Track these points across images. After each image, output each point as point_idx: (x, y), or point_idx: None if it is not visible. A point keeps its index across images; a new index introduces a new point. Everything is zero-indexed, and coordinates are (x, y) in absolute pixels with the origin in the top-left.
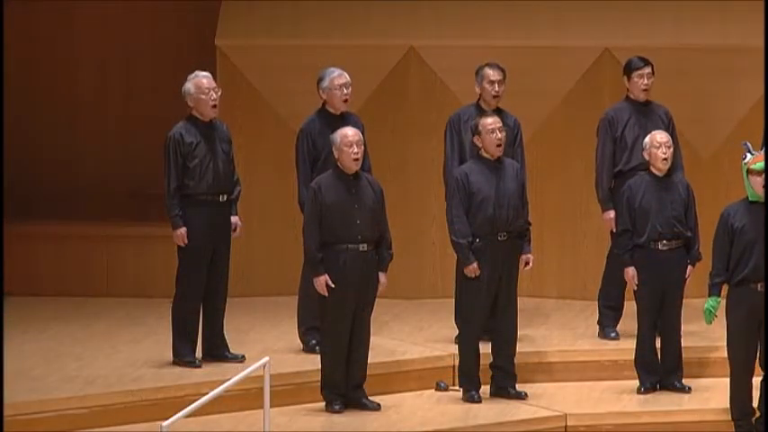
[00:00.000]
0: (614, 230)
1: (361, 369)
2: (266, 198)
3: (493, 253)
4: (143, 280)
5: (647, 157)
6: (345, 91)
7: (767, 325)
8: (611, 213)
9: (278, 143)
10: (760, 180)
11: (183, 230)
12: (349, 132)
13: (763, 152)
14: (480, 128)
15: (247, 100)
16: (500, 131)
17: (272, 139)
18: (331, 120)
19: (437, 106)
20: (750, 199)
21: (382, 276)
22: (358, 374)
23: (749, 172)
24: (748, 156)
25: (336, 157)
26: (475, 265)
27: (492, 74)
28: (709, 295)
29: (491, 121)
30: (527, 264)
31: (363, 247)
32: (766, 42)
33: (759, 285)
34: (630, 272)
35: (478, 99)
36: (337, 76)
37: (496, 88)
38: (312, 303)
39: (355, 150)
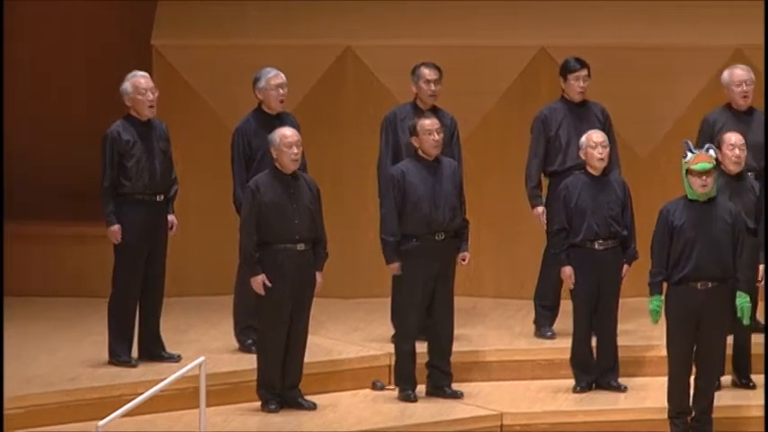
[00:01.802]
0: (545, 227)
1: (298, 368)
2: (203, 197)
3: (430, 252)
4: (81, 279)
5: (583, 156)
6: (281, 91)
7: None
8: (540, 209)
9: (215, 143)
10: (700, 181)
11: (116, 227)
12: (288, 133)
13: (703, 151)
14: (418, 129)
15: (184, 100)
16: (438, 133)
17: (210, 139)
18: (267, 119)
19: (373, 105)
20: (689, 198)
21: (318, 276)
22: (295, 374)
23: (689, 172)
24: (689, 155)
25: (275, 157)
26: (397, 264)
27: (428, 73)
28: (651, 294)
29: (429, 123)
30: (463, 263)
31: (301, 246)
32: (766, 42)
33: (699, 284)
34: (567, 271)
35: (415, 98)
36: (273, 77)
37: (432, 87)
38: (248, 303)
39: (294, 151)
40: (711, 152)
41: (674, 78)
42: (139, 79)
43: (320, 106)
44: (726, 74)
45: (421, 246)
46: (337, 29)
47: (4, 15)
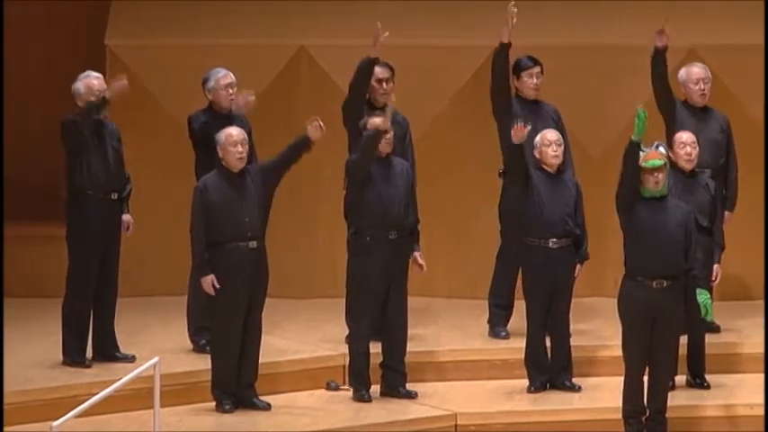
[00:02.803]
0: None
1: (254, 367)
2: (156, 197)
3: (383, 252)
4: (35, 279)
5: (537, 155)
6: (231, 91)
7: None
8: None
9: (168, 142)
10: (652, 178)
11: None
12: (233, 132)
13: (653, 149)
14: (369, 127)
15: (138, 99)
16: (389, 131)
17: (163, 139)
18: (217, 119)
19: (328, 105)
20: (643, 195)
21: None
22: (250, 372)
23: (642, 170)
24: (640, 153)
25: (221, 156)
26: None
27: (380, 72)
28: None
29: (380, 122)
30: (417, 262)
31: (253, 244)
32: (766, 42)
33: (654, 283)
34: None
35: (369, 97)
36: (222, 77)
37: (384, 86)
38: (202, 303)
39: (239, 150)
40: (662, 149)
41: (628, 78)
42: (92, 80)
43: (274, 106)
44: (683, 72)
45: (374, 244)
46: (291, 28)
47: (4, 15)
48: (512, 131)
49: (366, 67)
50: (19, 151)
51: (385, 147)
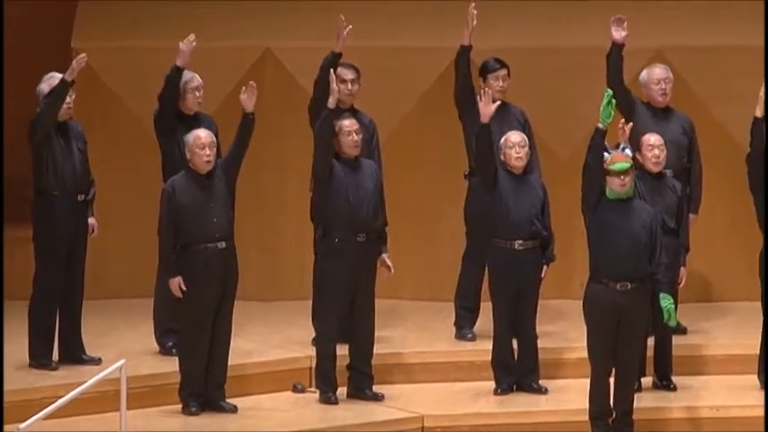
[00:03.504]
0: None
1: (222, 370)
2: (122, 199)
3: (351, 254)
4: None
5: (502, 157)
6: (197, 94)
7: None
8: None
9: (134, 144)
10: (618, 180)
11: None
12: (201, 134)
13: (619, 151)
14: (337, 130)
15: (103, 101)
16: (357, 134)
17: (128, 140)
18: (183, 119)
19: (293, 107)
20: (609, 198)
21: None
22: (219, 374)
23: (607, 172)
24: (606, 155)
25: (189, 158)
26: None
27: (345, 73)
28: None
29: (348, 124)
30: (385, 264)
31: (222, 244)
32: (766, 42)
33: (618, 285)
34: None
35: None
36: (190, 80)
37: (349, 87)
38: (168, 305)
39: (207, 152)
40: (627, 151)
41: (594, 80)
42: (56, 81)
43: (240, 108)
44: (644, 73)
45: (343, 246)
46: (257, 30)
47: (4, 15)
48: (480, 108)
49: (330, 63)
50: None
51: (352, 150)
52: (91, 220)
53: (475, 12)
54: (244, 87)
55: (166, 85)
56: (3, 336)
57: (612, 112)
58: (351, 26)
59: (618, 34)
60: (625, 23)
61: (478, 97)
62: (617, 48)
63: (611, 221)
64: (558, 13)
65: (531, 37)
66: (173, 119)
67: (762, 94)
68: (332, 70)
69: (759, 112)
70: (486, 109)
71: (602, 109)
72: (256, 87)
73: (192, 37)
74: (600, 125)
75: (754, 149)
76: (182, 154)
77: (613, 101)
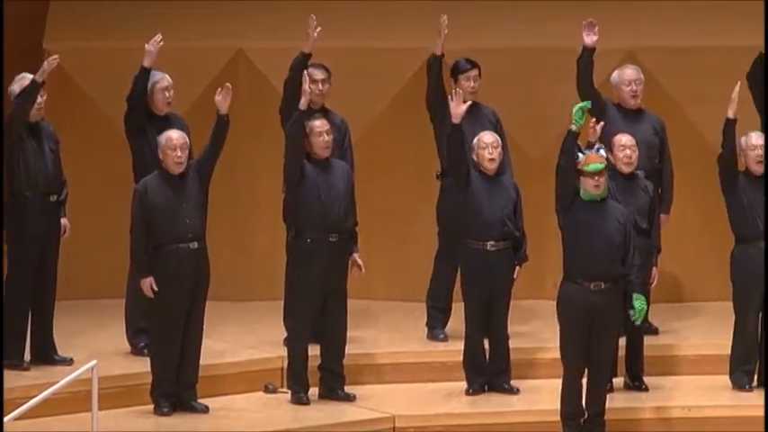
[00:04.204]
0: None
1: (194, 370)
2: (94, 200)
3: (324, 254)
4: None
5: (475, 158)
6: (167, 94)
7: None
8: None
9: (106, 145)
10: (593, 181)
11: None
12: (174, 136)
13: (593, 152)
14: (308, 130)
15: (75, 102)
16: (327, 134)
17: (101, 141)
18: (155, 120)
19: (266, 108)
20: (583, 198)
21: None
22: (192, 373)
23: (581, 173)
24: (580, 155)
25: (161, 159)
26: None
27: (315, 73)
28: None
29: (319, 124)
30: (356, 264)
31: (194, 245)
32: (766, 42)
33: (592, 285)
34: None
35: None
36: (159, 80)
37: (320, 87)
38: (140, 305)
39: (178, 154)
40: (602, 152)
41: (566, 80)
42: (28, 82)
43: (212, 109)
44: (615, 74)
45: (315, 247)
46: (229, 31)
47: (4, 15)
48: (451, 108)
49: (300, 64)
50: None
51: (323, 150)
52: (63, 221)
53: (446, 22)
54: (219, 89)
55: (134, 85)
56: (3, 335)
57: (585, 116)
58: (320, 27)
59: (589, 39)
60: (596, 28)
61: (450, 98)
62: (588, 52)
63: (586, 222)
64: (530, 13)
65: (502, 37)
66: (142, 119)
67: (734, 95)
68: (303, 71)
69: (731, 114)
70: (458, 109)
71: (574, 111)
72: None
73: (158, 37)
74: (572, 127)
75: (725, 150)
76: (152, 155)
77: (587, 106)
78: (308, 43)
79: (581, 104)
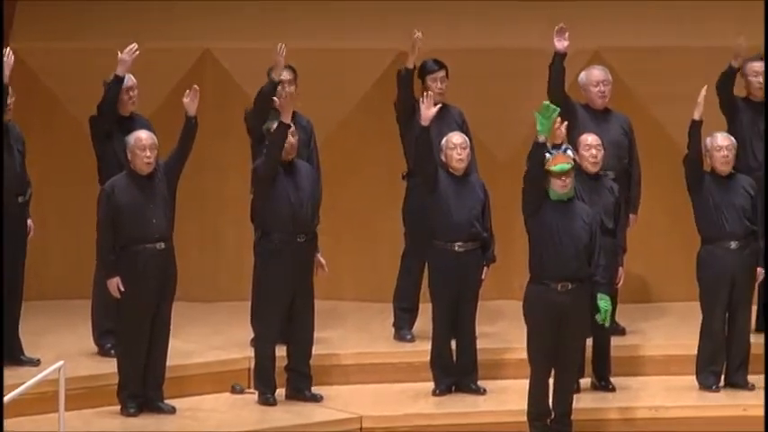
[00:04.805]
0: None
1: (160, 371)
2: (61, 200)
3: (291, 255)
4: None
5: (443, 158)
6: (131, 94)
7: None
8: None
9: (74, 146)
10: (560, 182)
11: None
12: (143, 136)
13: (560, 152)
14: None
15: (43, 103)
16: (292, 136)
17: (68, 142)
18: (119, 121)
19: (233, 108)
20: (551, 198)
21: None
22: (157, 376)
23: (548, 173)
24: (547, 156)
25: (129, 159)
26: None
27: (282, 74)
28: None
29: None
30: (319, 263)
31: (161, 245)
32: (766, 42)
33: (559, 285)
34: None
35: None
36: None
37: (286, 88)
38: (107, 306)
39: (147, 154)
40: (569, 152)
41: (533, 81)
42: None
43: (180, 109)
44: (583, 74)
45: (283, 247)
46: (195, 31)
47: (4, 15)
48: (421, 110)
49: (270, 91)
50: None
51: (288, 153)
52: (28, 222)
53: (420, 36)
54: (187, 91)
55: (106, 93)
56: (2, 335)
57: (551, 119)
58: (285, 53)
59: (560, 44)
60: (567, 33)
61: (421, 100)
62: (559, 57)
63: (552, 222)
64: (497, 14)
65: (469, 38)
66: (110, 125)
67: (700, 98)
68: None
69: (697, 116)
70: (428, 112)
71: (539, 122)
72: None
73: (134, 46)
74: (539, 138)
75: (691, 151)
76: (117, 157)
77: (552, 113)
78: (277, 70)
79: (541, 111)
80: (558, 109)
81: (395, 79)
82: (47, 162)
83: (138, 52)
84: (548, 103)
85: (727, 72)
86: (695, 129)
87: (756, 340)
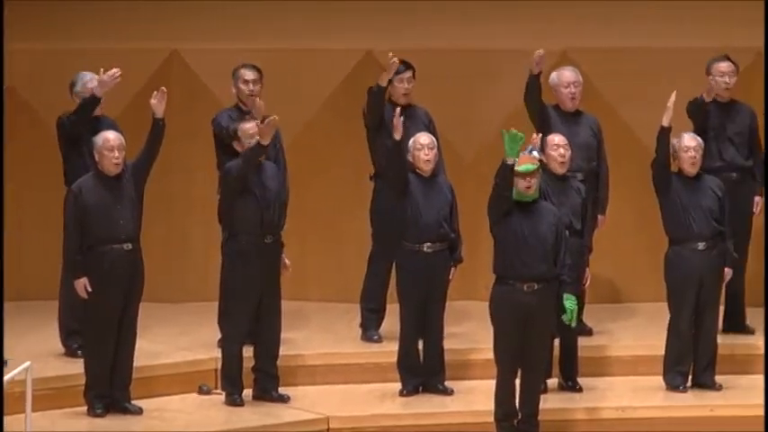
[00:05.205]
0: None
1: (128, 370)
2: (31, 201)
3: (259, 256)
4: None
5: (411, 159)
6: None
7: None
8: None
9: (40, 146)
10: (524, 182)
11: None
12: (110, 137)
13: (526, 153)
14: (240, 133)
15: (8, 103)
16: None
17: (35, 143)
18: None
19: (200, 109)
20: (515, 199)
21: None
22: (124, 377)
23: (513, 174)
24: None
25: (97, 159)
26: None
27: (247, 73)
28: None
29: (249, 127)
30: (283, 263)
31: (128, 246)
32: (766, 43)
33: (525, 285)
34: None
35: (237, 101)
36: (89, 81)
37: (251, 87)
38: (74, 307)
39: (116, 155)
40: (535, 153)
41: (499, 81)
42: None
43: (147, 110)
44: (554, 75)
45: (250, 248)
46: (163, 32)
47: (4, 15)
48: (394, 123)
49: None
50: None
51: None
52: None
53: (396, 60)
54: (155, 92)
55: (81, 109)
56: (2, 335)
57: (518, 145)
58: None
59: (537, 68)
60: (544, 60)
61: (393, 115)
62: (534, 77)
63: (518, 223)
64: (464, 14)
65: (436, 39)
66: (78, 133)
67: (670, 104)
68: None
69: (666, 122)
70: (398, 128)
71: (507, 146)
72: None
73: (117, 72)
74: (508, 160)
75: (660, 156)
76: (83, 158)
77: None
78: (265, 139)
79: (509, 135)
80: (524, 135)
81: (361, 80)
82: (13, 162)
83: (119, 79)
84: (515, 131)
85: (695, 102)
86: (664, 135)
87: (723, 341)
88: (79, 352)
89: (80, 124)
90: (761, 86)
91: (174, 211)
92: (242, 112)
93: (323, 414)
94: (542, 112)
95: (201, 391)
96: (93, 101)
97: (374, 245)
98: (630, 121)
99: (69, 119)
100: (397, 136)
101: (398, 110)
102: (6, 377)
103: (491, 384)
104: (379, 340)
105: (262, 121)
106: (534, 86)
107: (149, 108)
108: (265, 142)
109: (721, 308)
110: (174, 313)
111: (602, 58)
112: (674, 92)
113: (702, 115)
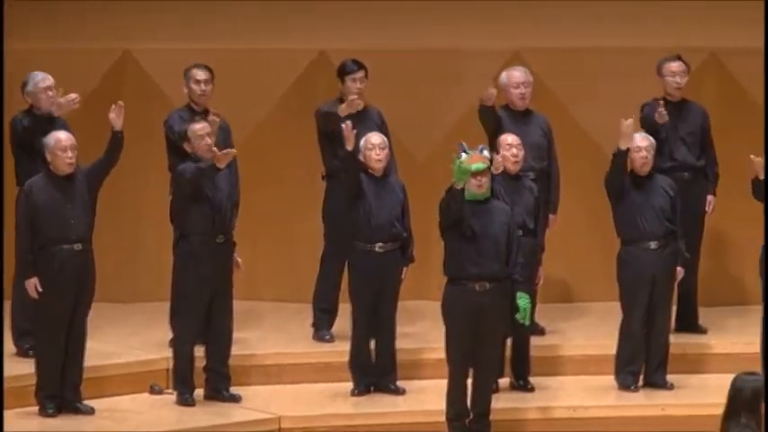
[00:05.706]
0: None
1: (79, 370)
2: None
3: (210, 256)
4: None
5: (362, 159)
6: (50, 93)
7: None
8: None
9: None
10: (475, 181)
11: None
12: (62, 137)
13: (477, 152)
14: (190, 134)
15: None
16: (209, 137)
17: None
18: (38, 121)
19: (153, 110)
20: (467, 198)
21: None
22: (75, 377)
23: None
24: (463, 155)
25: (49, 160)
26: None
27: (198, 74)
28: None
29: (200, 127)
30: (235, 261)
31: (78, 246)
32: (766, 43)
33: (477, 285)
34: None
35: (189, 101)
36: (41, 80)
37: (203, 87)
38: (25, 307)
39: (69, 155)
40: (485, 152)
41: (452, 81)
42: None
43: (98, 111)
44: (504, 75)
45: (202, 248)
46: (115, 32)
47: (4, 15)
48: (344, 134)
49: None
50: None
51: (207, 152)
52: None
53: (360, 103)
54: (113, 106)
55: (36, 123)
56: (2, 335)
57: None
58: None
59: (488, 102)
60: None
61: (344, 127)
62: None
63: (469, 223)
64: (417, 15)
65: (388, 38)
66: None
67: (625, 129)
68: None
69: (623, 146)
70: (350, 137)
71: (456, 175)
72: (116, 91)
73: (76, 98)
74: (457, 186)
75: (614, 176)
76: (34, 160)
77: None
78: (222, 164)
79: (459, 167)
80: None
81: (314, 80)
82: None
83: (77, 105)
84: (465, 167)
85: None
86: (620, 158)
87: (675, 340)
88: (31, 352)
89: (33, 131)
90: (712, 86)
91: (126, 211)
92: (193, 113)
93: (274, 414)
94: (496, 122)
95: (153, 391)
96: (48, 120)
97: (326, 245)
98: (582, 120)
99: (23, 123)
100: (349, 147)
101: (348, 123)
102: None
103: (443, 384)
104: (331, 340)
105: (204, 111)
106: (488, 114)
107: (101, 108)
108: (221, 167)
109: (674, 307)
110: (126, 313)
111: (553, 59)
112: (631, 118)
113: (655, 126)
